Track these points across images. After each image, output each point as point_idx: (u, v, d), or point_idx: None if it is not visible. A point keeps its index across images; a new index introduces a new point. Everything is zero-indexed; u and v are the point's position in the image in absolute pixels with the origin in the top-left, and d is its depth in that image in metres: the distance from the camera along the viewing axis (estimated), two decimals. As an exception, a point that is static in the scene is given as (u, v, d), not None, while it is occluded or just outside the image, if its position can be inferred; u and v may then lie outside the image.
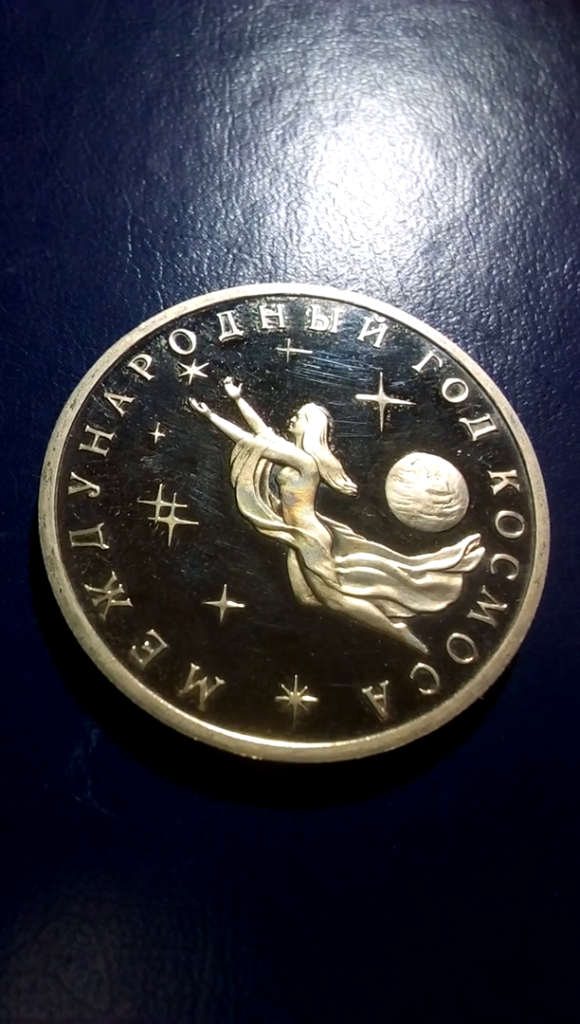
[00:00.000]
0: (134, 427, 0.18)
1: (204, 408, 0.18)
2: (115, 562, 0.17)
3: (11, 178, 0.22)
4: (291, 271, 0.21)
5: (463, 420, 0.19)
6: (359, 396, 0.19)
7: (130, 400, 0.18)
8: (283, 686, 0.16)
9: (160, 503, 0.17)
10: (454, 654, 0.16)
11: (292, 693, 0.16)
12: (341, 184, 0.23)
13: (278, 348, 0.19)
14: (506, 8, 0.26)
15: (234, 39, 0.25)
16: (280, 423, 0.18)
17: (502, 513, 0.18)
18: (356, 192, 0.22)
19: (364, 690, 0.16)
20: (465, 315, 0.21)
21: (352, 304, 0.20)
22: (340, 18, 0.25)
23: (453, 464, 0.18)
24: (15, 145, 0.22)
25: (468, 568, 0.17)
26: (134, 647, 0.16)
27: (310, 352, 0.19)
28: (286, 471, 0.18)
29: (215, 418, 0.18)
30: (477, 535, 0.18)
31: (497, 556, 0.17)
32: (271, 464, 0.18)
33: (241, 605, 0.16)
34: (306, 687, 0.16)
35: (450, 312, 0.21)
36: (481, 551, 0.17)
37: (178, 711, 0.15)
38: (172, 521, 0.17)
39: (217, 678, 0.16)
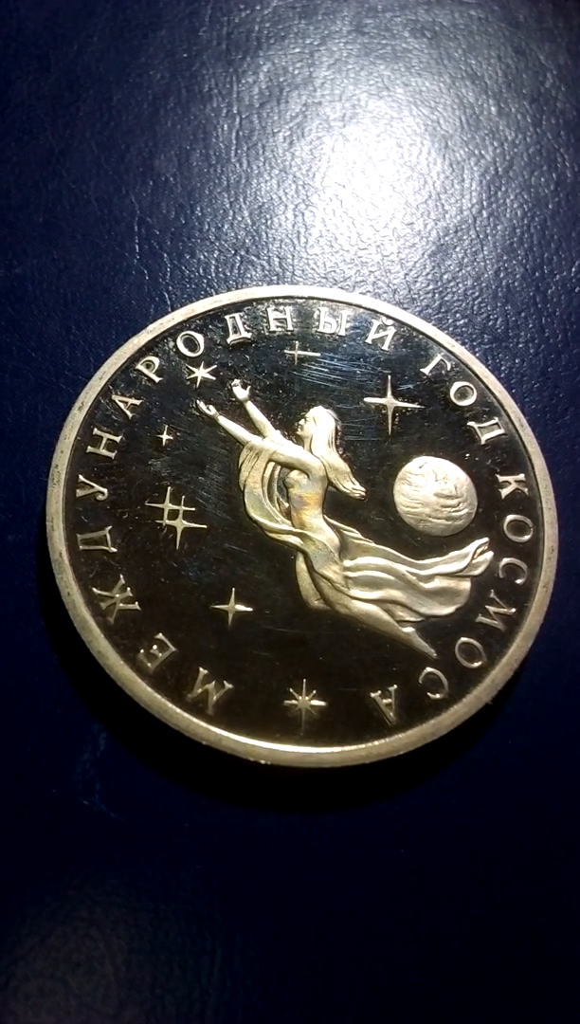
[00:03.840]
0: (142, 430, 0.18)
1: (212, 411, 0.18)
2: (123, 565, 0.16)
3: (18, 179, 0.22)
4: (299, 273, 0.21)
5: (471, 423, 0.19)
6: (367, 399, 0.19)
7: (138, 402, 0.18)
8: (291, 690, 0.16)
9: (168, 506, 0.17)
10: (462, 658, 0.16)
11: (300, 697, 0.16)
12: (349, 186, 0.23)
13: (286, 351, 0.19)
14: (514, 10, 0.26)
15: (241, 39, 0.24)
16: (288, 426, 0.18)
17: (510, 517, 0.18)
18: (364, 194, 0.22)
19: (372, 694, 0.16)
20: (473, 318, 0.21)
21: (360, 307, 0.20)
22: (347, 19, 0.25)
23: (461, 468, 0.18)
24: (21, 145, 0.22)
25: (476, 572, 0.17)
26: (142, 651, 0.16)
27: (318, 355, 0.19)
28: (294, 474, 0.18)
29: (223, 421, 0.18)
30: (485, 539, 0.18)
31: (505, 560, 0.17)
32: (279, 467, 0.18)
33: (249, 609, 0.16)
34: (314, 691, 0.16)
35: (458, 315, 0.21)
36: (489, 555, 0.17)
37: (186, 715, 0.15)
38: (180, 524, 0.17)
39: (225, 682, 0.16)
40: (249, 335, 0.19)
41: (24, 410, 0.19)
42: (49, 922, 0.15)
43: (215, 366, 0.19)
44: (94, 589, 0.16)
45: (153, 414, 0.18)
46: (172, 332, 0.19)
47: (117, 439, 0.18)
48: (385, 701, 0.16)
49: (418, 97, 0.24)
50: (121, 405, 0.18)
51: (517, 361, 0.21)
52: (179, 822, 0.16)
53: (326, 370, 0.19)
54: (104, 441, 0.18)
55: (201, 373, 0.19)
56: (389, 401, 0.19)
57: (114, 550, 0.17)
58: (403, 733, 0.16)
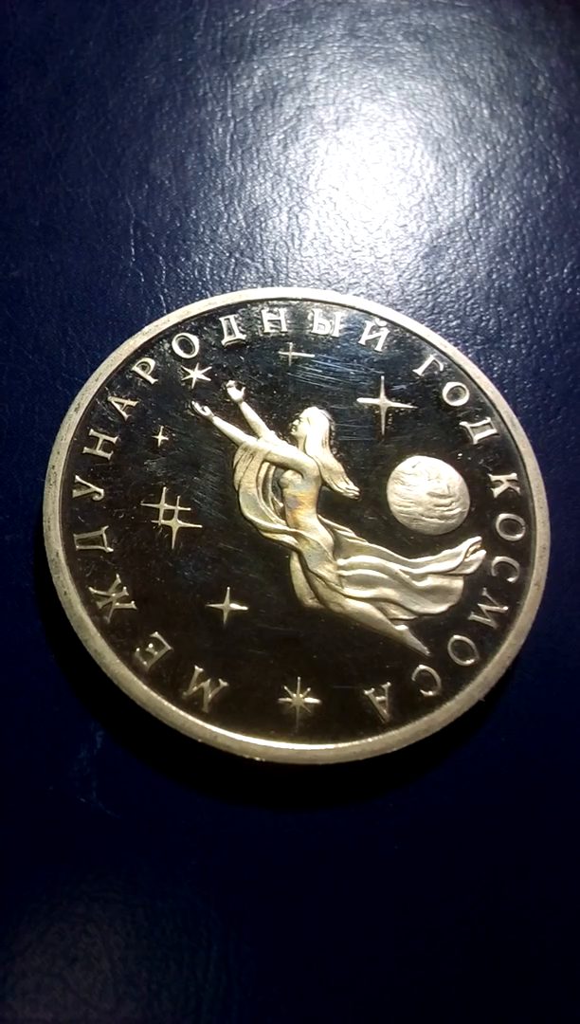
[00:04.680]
0: (138, 431, 0.18)
1: (207, 412, 0.18)
2: (119, 565, 0.17)
3: (14, 182, 0.22)
4: (293, 275, 0.21)
5: (464, 424, 0.19)
6: (361, 400, 0.19)
7: (133, 404, 0.18)
8: (286, 688, 0.16)
9: (164, 506, 0.17)
10: (455, 656, 0.17)
11: (295, 695, 0.16)
12: (342, 188, 0.23)
13: (280, 352, 0.19)
14: (506, 13, 0.26)
15: (236, 44, 0.25)
16: (282, 426, 0.19)
17: (502, 516, 0.18)
18: (357, 196, 0.23)
19: (366, 692, 0.16)
20: (465, 319, 0.21)
21: (353, 308, 0.20)
22: (341, 23, 0.25)
23: (454, 467, 0.18)
24: (18, 150, 0.22)
25: (469, 571, 0.17)
26: (138, 649, 0.16)
27: (312, 356, 0.19)
28: (288, 474, 0.18)
29: (218, 421, 0.18)
30: (478, 538, 0.18)
31: (498, 559, 0.18)
32: (273, 467, 0.18)
33: (244, 608, 0.17)
34: (309, 689, 0.16)
35: (451, 316, 0.21)
36: (482, 554, 0.18)
37: (182, 713, 0.16)
38: (175, 524, 0.17)
39: (221, 680, 0.16)
40: (244, 337, 0.19)
41: (21, 411, 0.19)
42: (46, 918, 0.15)
43: (210, 367, 0.19)
44: (91, 588, 0.16)
45: (149, 415, 0.18)
46: (167, 334, 0.19)
47: (113, 440, 0.18)
48: (379, 698, 0.16)
49: (411, 100, 0.24)
50: (117, 406, 0.18)
51: (509, 362, 0.21)
52: (175, 819, 0.16)
53: (320, 371, 0.19)
54: (100, 442, 0.18)
55: (196, 374, 0.19)
56: (382, 401, 0.19)
57: (110, 550, 0.17)
58: (396, 730, 0.16)
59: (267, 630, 0.16)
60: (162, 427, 0.18)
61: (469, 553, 0.18)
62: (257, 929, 0.15)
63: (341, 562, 0.17)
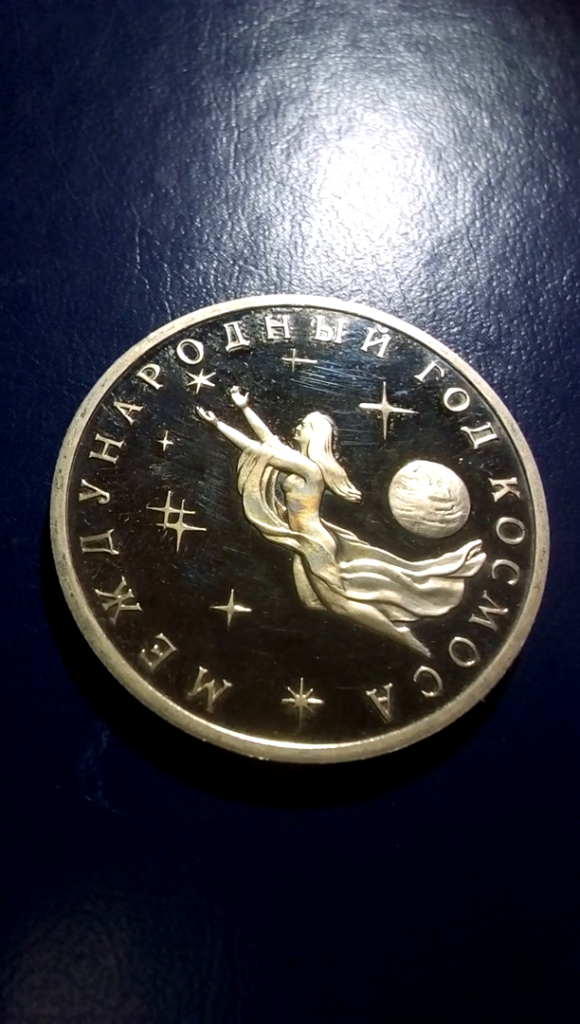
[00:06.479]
0: (143, 435, 0.18)
1: (211, 417, 0.19)
2: (125, 567, 0.17)
3: (21, 191, 0.22)
4: (296, 282, 0.22)
5: (464, 429, 0.19)
6: (363, 405, 0.19)
7: (139, 409, 0.18)
8: (289, 688, 0.16)
9: (169, 510, 0.18)
10: (456, 657, 0.17)
11: (298, 695, 0.16)
12: (345, 197, 0.23)
13: (283, 358, 0.20)
14: (506, 24, 0.26)
15: (240, 54, 0.25)
16: (286, 431, 0.19)
17: (503, 520, 0.18)
18: (359, 205, 0.23)
19: (368, 692, 0.16)
20: (466, 326, 0.22)
21: (356, 315, 0.20)
22: (343, 34, 0.26)
23: (455, 472, 0.19)
24: (25, 158, 0.23)
25: (470, 573, 0.18)
26: (143, 650, 0.16)
27: (315, 362, 0.20)
28: (292, 478, 0.18)
29: (222, 426, 0.19)
30: (478, 541, 0.18)
31: (498, 562, 0.18)
32: (277, 471, 0.18)
33: (248, 609, 0.17)
34: (312, 690, 0.16)
35: (451, 323, 0.21)
36: (482, 557, 0.18)
37: (187, 713, 0.16)
38: (180, 527, 0.17)
39: (225, 681, 0.16)
40: (247, 343, 0.20)
41: (28, 416, 0.19)
42: (53, 916, 0.15)
43: (214, 373, 0.19)
44: (96, 591, 0.17)
45: (154, 420, 0.18)
46: (172, 340, 0.19)
47: (119, 444, 0.18)
48: (381, 699, 0.16)
49: (412, 110, 0.25)
50: (123, 411, 0.18)
51: (509, 368, 0.21)
52: (179, 817, 0.16)
53: (323, 377, 0.19)
54: (106, 446, 0.18)
55: (201, 380, 0.19)
56: (384, 407, 0.19)
57: (116, 552, 0.17)
58: (398, 730, 0.16)
59: (270, 631, 0.17)
60: (167, 432, 0.18)
61: (470, 556, 0.18)
62: (260, 926, 0.15)
63: (343, 565, 0.17)
